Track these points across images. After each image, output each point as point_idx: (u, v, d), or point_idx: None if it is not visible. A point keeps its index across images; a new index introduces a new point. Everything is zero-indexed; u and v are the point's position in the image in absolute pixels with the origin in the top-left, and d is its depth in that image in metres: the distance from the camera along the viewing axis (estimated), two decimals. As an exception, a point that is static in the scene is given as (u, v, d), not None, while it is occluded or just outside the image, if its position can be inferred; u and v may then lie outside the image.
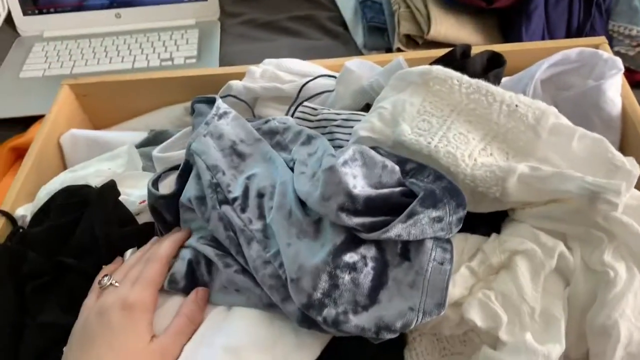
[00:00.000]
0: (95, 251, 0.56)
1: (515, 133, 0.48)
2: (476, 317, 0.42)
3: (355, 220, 0.43)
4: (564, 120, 0.48)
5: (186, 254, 0.53)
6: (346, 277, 0.43)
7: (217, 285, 0.51)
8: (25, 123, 0.91)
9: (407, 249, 0.45)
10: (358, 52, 0.99)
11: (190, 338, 0.48)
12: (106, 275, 0.51)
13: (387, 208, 0.44)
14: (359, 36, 1.00)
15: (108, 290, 0.50)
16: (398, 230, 0.43)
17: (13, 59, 1.04)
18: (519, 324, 0.42)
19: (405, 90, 0.51)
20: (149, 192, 0.56)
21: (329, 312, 0.43)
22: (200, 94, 0.65)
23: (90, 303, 0.50)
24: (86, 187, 0.59)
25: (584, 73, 0.64)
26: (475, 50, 0.62)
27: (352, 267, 0.44)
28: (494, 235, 0.47)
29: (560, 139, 0.47)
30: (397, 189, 0.44)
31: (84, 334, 0.48)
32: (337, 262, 0.43)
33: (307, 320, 0.45)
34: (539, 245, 0.44)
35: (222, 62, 1.00)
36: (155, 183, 0.58)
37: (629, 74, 0.83)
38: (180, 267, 0.52)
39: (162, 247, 0.53)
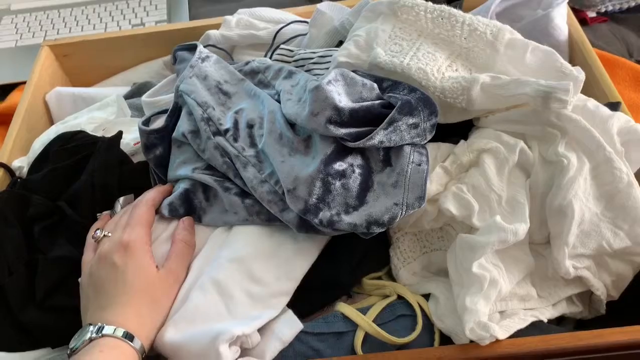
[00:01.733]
0: (92, 200, 0.59)
1: (476, 51, 0.54)
2: (451, 206, 0.49)
3: (343, 131, 0.48)
4: (518, 35, 0.54)
5: (180, 185, 0.57)
6: (337, 183, 0.49)
7: (216, 209, 0.55)
8: (1, 91, 0.93)
9: (389, 156, 0.50)
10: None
11: (190, 260, 0.53)
12: (98, 229, 0.54)
13: (368, 119, 0.49)
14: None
15: (103, 241, 0.53)
16: (380, 137, 0.48)
17: (-18, 31, 1.05)
18: (488, 210, 0.49)
19: (376, 20, 0.57)
20: (141, 130, 0.60)
21: (324, 214, 0.48)
22: (178, 48, 0.69)
23: (88, 258, 0.53)
24: (81, 132, 0.63)
25: (532, 5, 0.71)
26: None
27: (342, 174, 0.49)
28: (462, 140, 0.53)
29: (516, 52, 0.53)
30: (377, 102, 0.50)
31: (92, 284, 0.50)
32: (329, 170, 0.49)
33: (304, 225, 0.50)
34: (502, 144, 0.50)
35: (192, 24, 1.03)
36: (145, 124, 0.62)
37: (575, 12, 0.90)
38: (177, 196, 0.56)
39: (146, 194, 0.56)
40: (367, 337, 0.50)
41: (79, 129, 0.64)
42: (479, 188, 0.49)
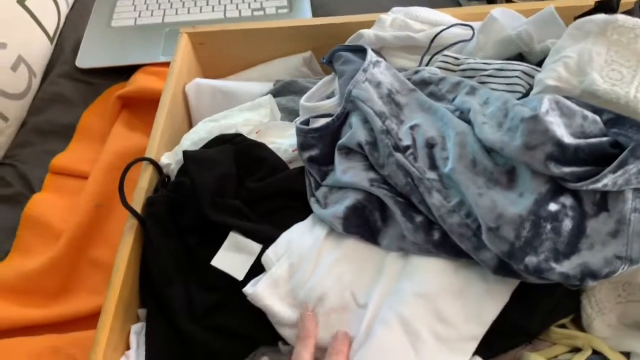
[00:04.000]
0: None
1: None
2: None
3: (565, 170, 0.43)
4: None
5: (349, 196, 0.53)
6: (548, 226, 0.44)
7: (392, 232, 0.51)
8: (120, 72, 0.91)
9: (605, 199, 0.45)
10: (456, 3, 0.97)
11: None
12: None
13: (592, 158, 0.44)
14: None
15: None
16: (607, 180, 0.43)
17: (100, 9, 1.03)
18: None
19: (585, 40, 0.51)
20: (298, 129, 0.57)
21: (530, 260, 0.44)
22: (318, 44, 0.64)
23: None
24: (240, 135, 0.60)
25: None
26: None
27: (554, 217, 0.44)
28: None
29: None
30: (605, 139, 0.44)
31: None
32: (541, 211, 0.44)
33: (503, 268, 0.46)
34: None
35: (315, 13, 0.99)
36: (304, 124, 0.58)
37: None
38: (351, 210, 0.52)
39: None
40: (564, 395, 0.45)
41: (235, 130, 0.61)
42: None
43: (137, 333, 0.55)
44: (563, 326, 0.50)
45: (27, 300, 0.69)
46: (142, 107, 0.85)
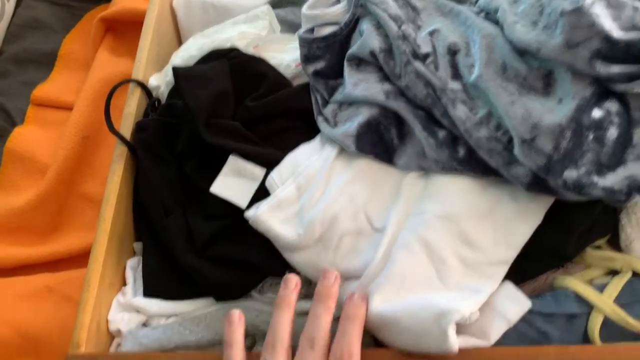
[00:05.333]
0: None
1: None
2: None
3: (613, 69, 0.38)
4: None
5: (362, 112, 0.47)
6: (591, 136, 0.39)
7: (410, 150, 0.46)
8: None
9: (655, 104, 0.40)
10: None
11: None
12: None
13: (644, 54, 0.38)
14: None
15: None
16: (662, 79, 0.37)
17: None
18: None
19: None
20: (302, 39, 0.50)
21: (570, 174, 0.39)
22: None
23: None
24: (235, 50, 0.54)
25: None
26: None
27: (598, 125, 0.39)
28: None
29: None
30: (660, 32, 0.38)
31: None
32: (583, 118, 0.39)
33: (538, 184, 0.41)
34: None
35: None
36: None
37: None
38: (364, 126, 0.46)
39: (353, 339, 0.39)
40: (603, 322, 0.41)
41: (230, 44, 0.54)
42: None
43: (133, 268, 0.51)
44: (599, 248, 0.46)
45: (16, 238, 0.65)
46: (128, 30, 0.78)
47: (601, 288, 0.43)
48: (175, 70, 0.51)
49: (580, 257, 0.46)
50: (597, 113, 0.39)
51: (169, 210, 0.49)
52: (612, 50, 0.37)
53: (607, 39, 0.37)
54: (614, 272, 0.45)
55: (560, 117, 0.39)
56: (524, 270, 0.44)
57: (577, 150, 0.39)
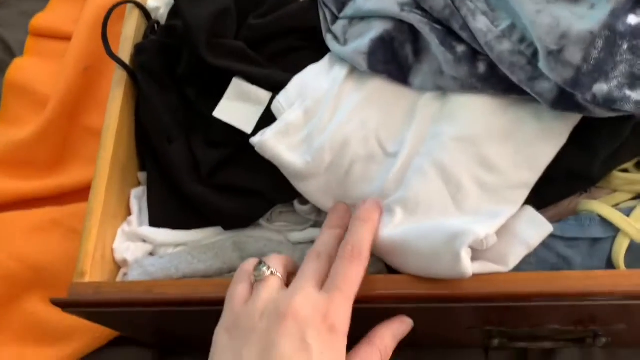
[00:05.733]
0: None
1: None
2: None
3: (654, -33, 0.34)
4: None
5: (375, 26, 0.44)
6: (625, 45, 0.35)
7: (427, 67, 0.43)
8: None
9: (697, 9, 0.36)
10: None
11: None
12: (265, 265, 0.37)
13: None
14: None
15: (294, 289, 0.35)
16: None
17: None
18: None
19: None
20: None
21: (600, 87, 0.36)
22: None
23: (242, 294, 0.36)
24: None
25: None
26: None
27: (634, 33, 0.35)
28: None
29: None
30: None
31: (255, 344, 0.33)
32: (619, 25, 0.35)
33: (564, 100, 0.38)
34: None
35: None
36: None
37: None
38: (377, 42, 0.43)
39: (364, 237, 0.37)
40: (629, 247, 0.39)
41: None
42: None
43: (138, 197, 0.49)
44: (626, 171, 0.43)
45: (20, 172, 0.64)
46: (126, -46, 0.73)
47: (627, 212, 0.40)
48: (173, -13, 0.47)
49: (606, 180, 0.43)
50: (633, 19, 0.35)
51: (172, 136, 0.47)
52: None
53: None
54: (640, 197, 0.42)
55: (592, 24, 0.35)
56: (545, 194, 0.42)
57: (609, 61, 0.36)
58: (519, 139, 0.40)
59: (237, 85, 0.46)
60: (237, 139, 0.45)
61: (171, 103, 0.48)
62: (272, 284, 0.36)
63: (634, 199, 0.43)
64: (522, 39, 0.39)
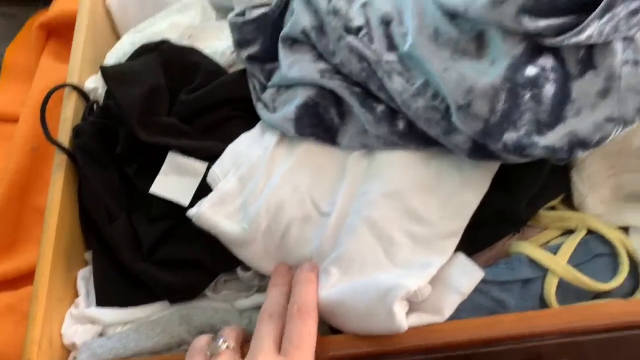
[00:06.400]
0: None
1: None
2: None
3: (541, 23, 0.36)
4: None
5: (299, 92, 0.46)
6: (527, 94, 0.37)
7: (352, 128, 0.45)
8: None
9: (590, 55, 0.38)
10: None
11: None
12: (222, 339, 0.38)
13: (573, 5, 0.37)
14: None
15: (254, 354, 0.36)
16: (592, 29, 0.36)
17: None
18: None
19: None
20: (232, 23, 0.49)
21: (510, 136, 0.38)
22: None
23: None
24: (166, 42, 0.51)
25: None
26: None
27: (533, 82, 0.37)
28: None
29: None
30: (586, -20, 0.37)
31: None
32: (517, 77, 0.37)
33: (478, 150, 0.40)
34: None
35: None
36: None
37: None
38: (302, 108, 0.45)
39: (308, 295, 0.39)
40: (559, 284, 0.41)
41: (161, 37, 0.52)
42: None
43: (84, 278, 0.50)
44: (553, 208, 0.45)
45: (-26, 257, 0.63)
46: (70, 34, 0.75)
47: (556, 249, 0.42)
48: (103, 69, 0.49)
49: (535, 219, 0.45)
50: (531, 70, 0.38)
51: (114, 216, 0.47)
52: (537, 3, 0.36)
53: (531, -7, 0.36)
54: (570, 232, 0.44)
55: (492, 78, 0.37)
56: (478, 239, 0.43)
57: (514, 110, 0.37)
58: (443, 190, 0.42)
59: (173, 159, 0.47)
60: (176, 212, 0.46)
61: (112, 182, 0.49)
62: (228, 358, 0.37)
63: (564, 234, 0.44)
64: (435, 95, 0.41)
